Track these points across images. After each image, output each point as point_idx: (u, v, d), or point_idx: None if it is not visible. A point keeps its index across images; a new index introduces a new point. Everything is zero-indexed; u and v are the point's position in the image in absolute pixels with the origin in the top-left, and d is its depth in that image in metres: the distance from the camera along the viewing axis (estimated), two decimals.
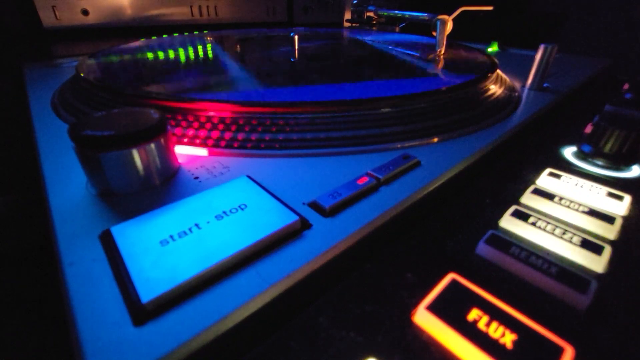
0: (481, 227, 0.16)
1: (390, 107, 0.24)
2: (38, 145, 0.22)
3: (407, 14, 0.56)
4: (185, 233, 0.13)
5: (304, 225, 0.15)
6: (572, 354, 0.10)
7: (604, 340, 0.11)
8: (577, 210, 0.17)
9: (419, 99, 0.25)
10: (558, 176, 0.20)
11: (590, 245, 0.14)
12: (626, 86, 0.38)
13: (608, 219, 0.16)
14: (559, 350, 0.10)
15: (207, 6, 0.69)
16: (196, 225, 0.14)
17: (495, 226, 0.17)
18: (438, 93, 0.26)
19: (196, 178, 0.18)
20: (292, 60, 0.41)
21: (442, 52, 0.45)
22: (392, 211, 0.16)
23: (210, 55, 0.46)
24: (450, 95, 0.26)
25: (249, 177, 0.17)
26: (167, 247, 0.13)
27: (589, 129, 0.23)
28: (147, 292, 0.11)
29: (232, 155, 0.21)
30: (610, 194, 0.18)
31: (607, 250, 0.14)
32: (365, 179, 0.17)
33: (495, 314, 0.11)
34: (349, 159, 0.20)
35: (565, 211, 0.17)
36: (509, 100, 0.30)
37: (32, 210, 0.34)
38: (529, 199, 0.18)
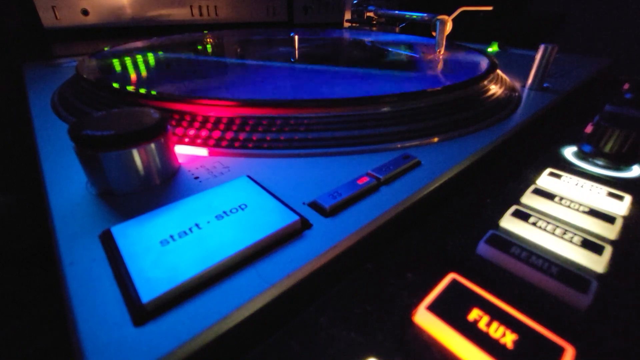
0: (481, 227, 0.16)
1: (390, 107, 0.24)
2: (38, 145, 0.22)
3: (407, 14, 0.56)
4: (185, 233, 0.13)
5: (304, 225, 0.15)
6: (572, 353, 0.10)
7: (604, 340, 0.11)
8: (577, 210, 0.17)
9: (419, 98, 0.25)
10: (558, 176, 0.20)
11: (591, 245, 0.14)
12: (626, 86, 0.38)
13: (608, 218, 0.16)
14: (560, 350, 0.10)
15: (207, 6, 0.69)
16: (196, 225, 0.14)
17: (496, 226, 0.16)
18: (438, 93, 0.26)
19: (196, 178, 0.18)
20: (292, 60, 0.41)
21: (442, 52, 0.44)
22: (392, 211, 0.16)
23: (210, 55, 0.46)
24: (450, 95, 0.26)
25: (249, 177, 0.17)
26: (168, 247, 0.13)
27: (589, 128, 0.23)
28: (148, 292, 0.11)
29: (233, 155, 0.21)
30: (611, 194, 0.18)
31: (608, 250, 0.14)
32: (366, 179, 0.17)
33: (496, 314, 0.11)
34: (349, 159, 0.20)
35: (565, 211, 0.17)
36: (509, 100, 0.30)
37: (32, 210, 0.34)
38: (529, 198, 0.18)
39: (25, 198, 0.35)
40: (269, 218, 0.14)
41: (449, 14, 0.46)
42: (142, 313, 0.11)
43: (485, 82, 0.30)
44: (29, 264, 0.29)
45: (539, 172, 0.21)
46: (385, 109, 0.24)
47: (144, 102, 0.24)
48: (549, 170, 0.21)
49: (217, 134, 0.21)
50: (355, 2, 0.74)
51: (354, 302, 0.12)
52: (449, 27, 0.46)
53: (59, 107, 0.28)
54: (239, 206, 0.15)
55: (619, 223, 0.16)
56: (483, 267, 0.14)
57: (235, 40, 0.57)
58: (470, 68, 0.35)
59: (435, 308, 0.12)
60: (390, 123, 0.23)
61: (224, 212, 0.14)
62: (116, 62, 0.37)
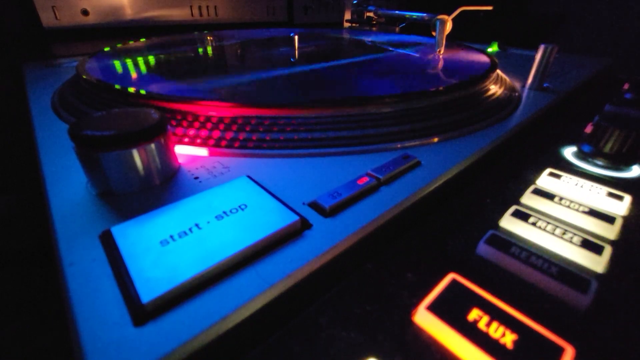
0: (481, 227, 0.16)
1: (390, 107, 0.24)
2: (38, 145, 0.22)
3: (407, 14, 0.56)
4: (185, 233, 0.13)
5: (304, 225, 0.15)
6: (572, 353, 0.10)
7: (604, 340, 0.11)
8: (577, 210, 0.17)
9: (419, 98, 0.25)
10: (558, 176, 0.20)
11: (591, 245, 0.14)
12: (626, 86, 0.38)
13: (608, 219, 0.16)
14: (560, 350, 0.10)
15: (207, 6, 0.69)
16: (196, 225, 0.14)
17: (496, 226, 0.16)
18: (438, 93, 0.26)
19: (196, 178, 0.18)
20: (292, 60, 0.41)
21: (442, 51, 0.45)
22: (392, 211, 0.16)
23: (210, 55, 0.46)
24: (450, 95, 0.26)
25: (249, 177, 0.17)
26: (168, 247, 0.13)
27: (589, 128, 0.23)
28: (148, 292, 0.11)
29: (233, 155, 0.21)
30: (611, 194, 0.18)
31: (608, 250, 0.14)
32: (366, 179, 0.17)
33: (496, 314, 0.11)
34: (349, 159, 0.20)
35: (565, 211, 0.17)
36: (509, 100, 0.30)
37: (32, 210, 0.34)
38: (529, 199, 0.18)
39: (25, 198, 0.35)
40: (269, 218, 0.14)
41: (449, 14, 0.46)
42: (142, 313, 0.11)
43: (486, 82, 0.30)
44: (29, 264, 0.29)
45: (538, 172, 0.21)
46: (385, 109, 0.24)
47: (144, 102, 0.24)
48: (548, 170, 0.21)
49: (217, 134, 0.21)
50: (355, 2, 0.74)
51: (354, 302, 0.12)
52: (449, 26, 0.46)
53: (59, 108, 0.28)
54: (239, 206, 0.15)
55: (618, 223, 0.16)
56: (483, 267, 0.14)
57: (236, 39, 0.57)
58: (470, 68, 0.35)
59: (435, 308, 0.12)
60: (390, 123, 0.23)
61: (224, 212, 0.14)
62: (116, 62, 0.37)
